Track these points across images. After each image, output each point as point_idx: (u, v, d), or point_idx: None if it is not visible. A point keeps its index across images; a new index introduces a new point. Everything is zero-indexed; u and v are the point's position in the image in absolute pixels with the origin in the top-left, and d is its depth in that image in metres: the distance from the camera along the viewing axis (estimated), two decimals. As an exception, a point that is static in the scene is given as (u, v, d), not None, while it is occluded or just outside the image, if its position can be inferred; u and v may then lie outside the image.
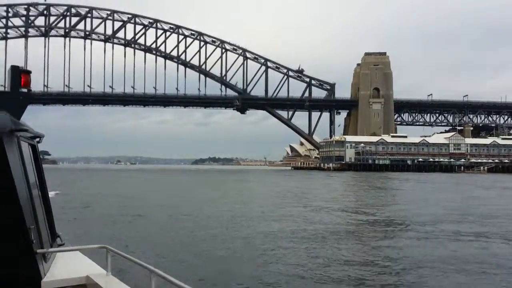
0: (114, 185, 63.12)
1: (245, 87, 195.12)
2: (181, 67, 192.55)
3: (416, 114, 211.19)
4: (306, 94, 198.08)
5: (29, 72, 4.69)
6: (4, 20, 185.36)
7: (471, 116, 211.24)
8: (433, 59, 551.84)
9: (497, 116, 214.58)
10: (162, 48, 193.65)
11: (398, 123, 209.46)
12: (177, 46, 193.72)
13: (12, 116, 3.80)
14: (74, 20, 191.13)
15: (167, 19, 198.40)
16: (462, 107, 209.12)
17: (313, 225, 23.15)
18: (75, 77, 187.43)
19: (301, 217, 26.47)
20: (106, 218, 25.58)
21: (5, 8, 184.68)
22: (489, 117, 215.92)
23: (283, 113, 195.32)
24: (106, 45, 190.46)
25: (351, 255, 15.69)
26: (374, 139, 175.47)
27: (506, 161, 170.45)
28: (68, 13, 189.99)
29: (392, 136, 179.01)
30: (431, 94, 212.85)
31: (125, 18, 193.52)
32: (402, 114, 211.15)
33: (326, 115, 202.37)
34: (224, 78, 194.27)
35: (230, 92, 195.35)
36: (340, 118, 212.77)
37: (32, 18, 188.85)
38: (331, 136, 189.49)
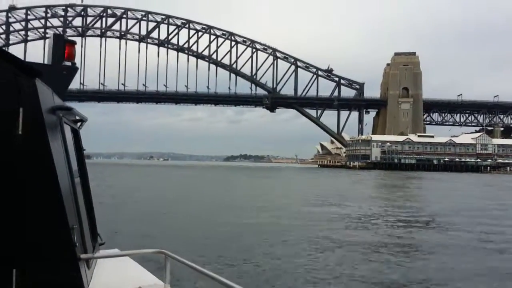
0: (161, 182, 61.29)
1: (274, 86, 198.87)
2: (212, 66, 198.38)
3: (446, 114, 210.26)
4: (335, 93, 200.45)
5: (74, 43, 4.18)
6: (43, 21, 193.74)
7: (501, 116, 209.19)
8: (468, 58, 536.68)
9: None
10: (194, 47, 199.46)
11: (427, 123, 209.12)
12: (209, 45, 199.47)
13: (54, 92, 3.29)
14: (110, 20, 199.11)
15: (199, 20, 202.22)
16: (492, 108, 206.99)
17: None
18: (110, 76, 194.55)
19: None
20: (159, 216, 23.66)
21: (44, 9, 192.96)
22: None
23: (312, 112, 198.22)
24: (140, 45, 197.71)
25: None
26: (401, 138, 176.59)
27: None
28: (105, 14, 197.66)
29: (419, 136, 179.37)
30: (461, 94, 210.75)
31: (159, 18, 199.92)
32: (432, 114, 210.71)
33: (354, 114, 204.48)
34: (254, 77, 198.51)
35: (260, 91, 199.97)
36: (369, 117, 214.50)
37: (69, 18, 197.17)
38: (359, 135, 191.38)
